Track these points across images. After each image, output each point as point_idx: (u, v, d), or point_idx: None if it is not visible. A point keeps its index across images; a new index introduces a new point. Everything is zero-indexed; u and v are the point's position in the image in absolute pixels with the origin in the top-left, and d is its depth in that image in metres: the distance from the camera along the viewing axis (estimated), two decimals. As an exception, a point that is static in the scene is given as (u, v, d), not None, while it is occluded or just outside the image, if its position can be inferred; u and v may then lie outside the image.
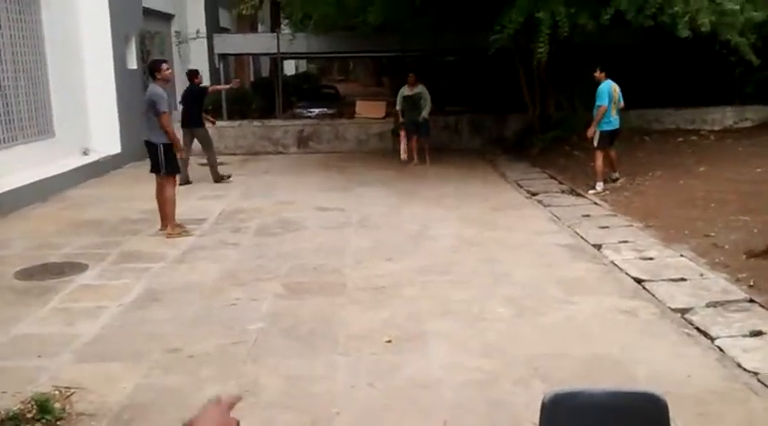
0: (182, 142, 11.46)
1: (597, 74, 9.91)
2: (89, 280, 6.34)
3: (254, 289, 5.98)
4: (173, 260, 6.92)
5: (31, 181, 9.88)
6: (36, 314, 5.46)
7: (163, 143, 7.68)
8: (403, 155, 13.05)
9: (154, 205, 9.44)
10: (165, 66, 7.97)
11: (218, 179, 11.60)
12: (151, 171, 7.97)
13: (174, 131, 7.75)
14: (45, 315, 5.46)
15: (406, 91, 13.07)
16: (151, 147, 7.78)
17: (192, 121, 11.60)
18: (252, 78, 26.16)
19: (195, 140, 11.61)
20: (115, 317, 5.37)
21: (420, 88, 12.97)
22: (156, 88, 7.71)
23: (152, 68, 8.02)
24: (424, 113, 12.89)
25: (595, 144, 9.94)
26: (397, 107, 13.24)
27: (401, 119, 13.15)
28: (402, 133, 13.16)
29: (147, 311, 5.49)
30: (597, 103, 9.82)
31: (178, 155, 7.94)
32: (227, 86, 13.03)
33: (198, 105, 11.77)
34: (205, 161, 11.85)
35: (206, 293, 5.90)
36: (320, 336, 4.93)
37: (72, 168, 11.28)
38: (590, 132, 10.03)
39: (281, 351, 4.68)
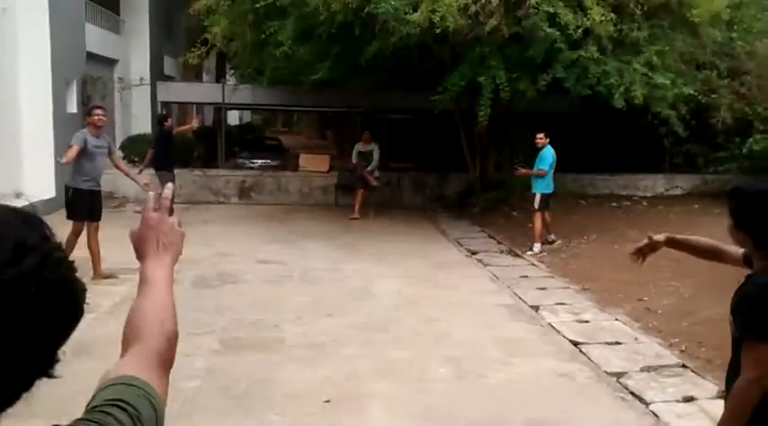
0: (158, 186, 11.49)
1: (542, 139, 10.20)
2: (13, 331, 6.03)
3: (189, 344, 5.78)
4: (104, 311, 6.67)
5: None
6: (-47, 366, 5.15)
7: (72, 187, 7.71)
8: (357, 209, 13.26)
9: (85, 253, 9.16)
10: (95, 111, 7.88)
11: None
12: (82, 218, 7.82)
13: (71, 158, 7.57)
14: (-37, 367, 5.15)
15: (360, 147, 13.69)
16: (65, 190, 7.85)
17: (160, 165, 11.71)
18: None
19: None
20: (40, 371, 5.11)
21: (373, 146, 13.62)
22: (80, 132, 7.79)
23: (86, 113, 8.12)
24: (371, 166, 13.36)
25: (536, 206, 10.17)
26: (353, 159, 13.79)
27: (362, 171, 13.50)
28: (371, 178, 13.44)
29: (74, 365, 5.21)
30: (540, 166, 10.09)
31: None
32: (189, 127, 12.90)
33: (166, 149, 11.88)
34: (141, 208, 11.62)
35: (138, 347, 5.69)
36: (256, 395, 4.79)
37: (2, 211, 10.86)
38: (519, 172, 10.49)
39: (216, 411, 4.53)
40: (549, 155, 10.10)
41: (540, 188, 10.15)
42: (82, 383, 5.15)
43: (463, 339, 6.15)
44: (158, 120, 12.43)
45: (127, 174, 8.68)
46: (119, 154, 8.49)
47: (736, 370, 2.23)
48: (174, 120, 20.80)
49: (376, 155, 13.57)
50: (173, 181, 11.59)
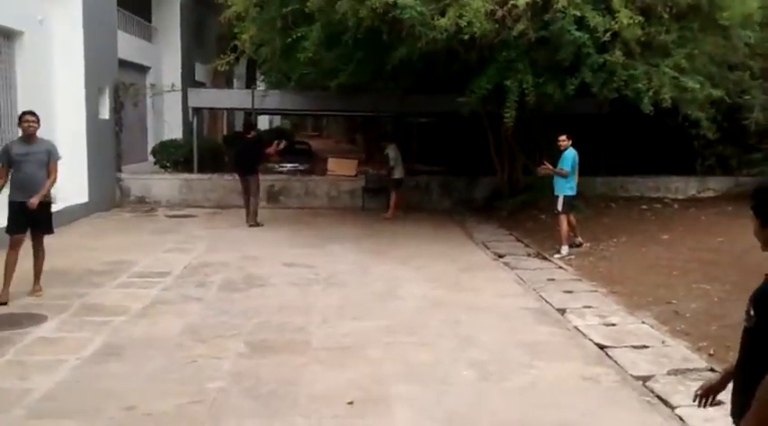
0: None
1: (564, 141, 10.12)
2: (47, 333, 6.18)
3: (216, 347, 5.89)
4: (134, 313, 6.80)
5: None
6: (-11, 366, 5.30)
7: (9, 200, 7.23)
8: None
9: (118, 256, 9.38)
10: (24, 117, 7.22)
11: (255, 224, 12.45)
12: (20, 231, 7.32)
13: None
14: (-2, 367, 5.30)
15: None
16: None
17: (245, 170, 12.67)
18: (225, 132, 26.30)
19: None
20: (72, 372, 5.23)
21: (388, 148, 14.07)
22: (8, 142, 7.29)
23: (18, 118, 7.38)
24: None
25: (559, 208, 10.10)
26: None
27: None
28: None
29: (106, 366, 5.36)
30: (560, 166, 10.02)
31: None
32: (277, 147, 13.35)
33: (253, 156, 12.78)
34: (172, 212, 12.03)
35: (167, 349, 5.79)
36: (281, 397, 4.85)
37: (37, 216, 11.10)
38: (541, 169, 10.45)
39: (241, 412, 4.59)
40: (572, 156, 10.02)
41: (563, 190, 10.08)
42: (112, 384, 5.26)
43: (488, 342, 6.14)
44: (244, 129, 13.72)
45: (46, 189, 7.24)
46: (58, 162, 7.38)
47: (749, 364, 2.24)
48: (204, 125, 21.19)
49: (390, 154, 13.98)
50: (254, 184, 12.60)
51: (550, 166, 10.21)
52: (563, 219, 10.11)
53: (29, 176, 7.17)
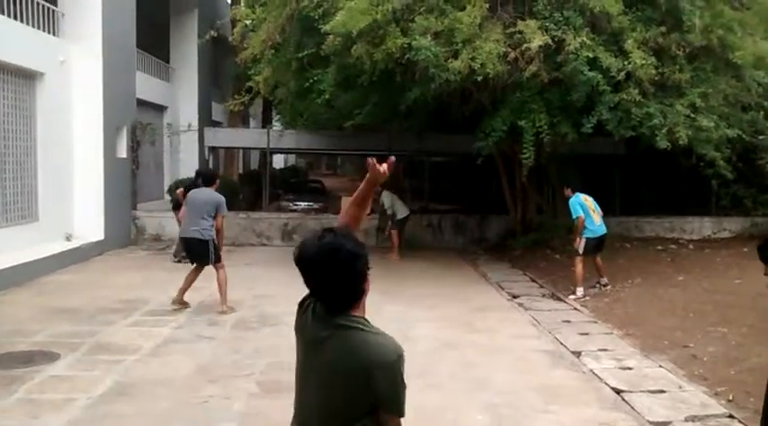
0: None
1: (566, 191, 10.21)
2: (59, 371, 6.17)
3: (227, 387, 5.85)
4: (146, 352, 6.79)
5: (10, 265, 9.78)
6: None
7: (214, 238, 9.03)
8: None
9: (132, 294, 9.41)
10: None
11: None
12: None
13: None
14: (8, 406, 5.28)
15: None
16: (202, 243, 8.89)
17: None
18: (240, 170, 26.53)
19: None
20: (83, 411, 5.20)
21: (383, 195, 13.75)
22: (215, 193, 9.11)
23: (213, 177, 9.42)
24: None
25: (580, 251, 10.00)
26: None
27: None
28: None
29: (116, 405, 5.33)
30: (574, 216, 9.94)
31: None
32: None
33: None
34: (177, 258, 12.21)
35: (177, 389, 5.76)
36: (292, 439, 4.78)
37: (53, 254, 11.20)
38: (576, 243, 10.12)
39: (251, 454, 4.54)
40: (576, 203, 9.91)
41: (583, 233, 9.99)
42: (122, 424, 5.21)
43: (501, 385, 6.05)
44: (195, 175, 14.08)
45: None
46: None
47: None
48: (221, 163, 21.40)
49: (385, 203, 13.65)
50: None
51: (576, 236, 10.07)
52: (579, 261, 10.00)
53: None
